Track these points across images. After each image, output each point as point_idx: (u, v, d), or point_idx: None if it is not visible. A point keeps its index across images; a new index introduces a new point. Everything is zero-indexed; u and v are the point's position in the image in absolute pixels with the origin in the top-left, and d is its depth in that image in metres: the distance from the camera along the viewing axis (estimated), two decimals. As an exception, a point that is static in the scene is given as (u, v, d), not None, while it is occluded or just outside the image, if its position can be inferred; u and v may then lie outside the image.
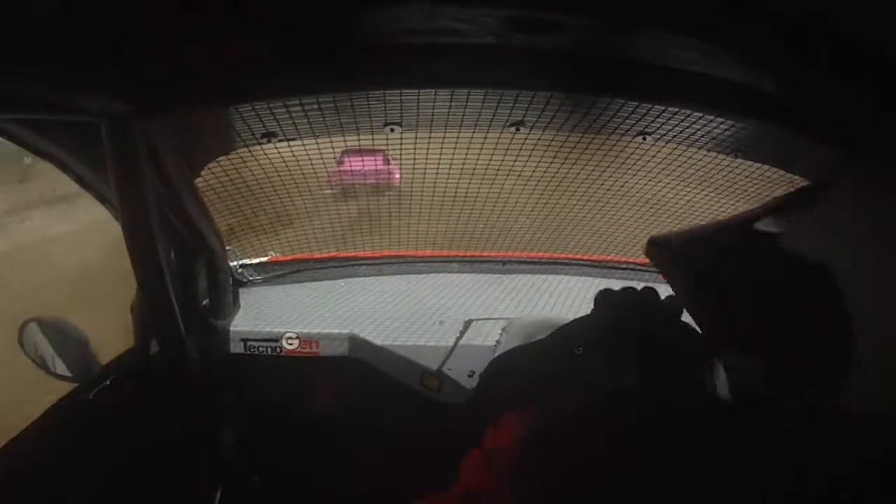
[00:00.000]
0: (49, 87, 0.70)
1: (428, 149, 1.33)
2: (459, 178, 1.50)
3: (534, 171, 1.52)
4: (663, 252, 0.75)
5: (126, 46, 0.65)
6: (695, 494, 0.64)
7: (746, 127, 1.09)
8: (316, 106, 1.08)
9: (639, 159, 1.45)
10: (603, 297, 0.97)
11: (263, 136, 1.18)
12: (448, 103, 1.08)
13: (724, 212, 1.63)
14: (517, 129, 1.18)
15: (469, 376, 1.35)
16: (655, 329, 0.94)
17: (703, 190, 1.55)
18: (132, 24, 0.59)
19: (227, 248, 1.48)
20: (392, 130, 1.18)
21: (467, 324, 1.51)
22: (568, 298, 1.70)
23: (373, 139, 1.27)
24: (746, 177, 1.39)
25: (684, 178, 1.49)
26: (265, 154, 1.31)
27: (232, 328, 1.48)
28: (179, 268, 1.31)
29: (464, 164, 1.46)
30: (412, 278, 1.82)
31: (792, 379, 0.62)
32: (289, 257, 1.81)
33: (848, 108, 0.70)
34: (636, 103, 1.03)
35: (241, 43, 0.71)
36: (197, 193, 1.25)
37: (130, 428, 1.18)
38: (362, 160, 1.56)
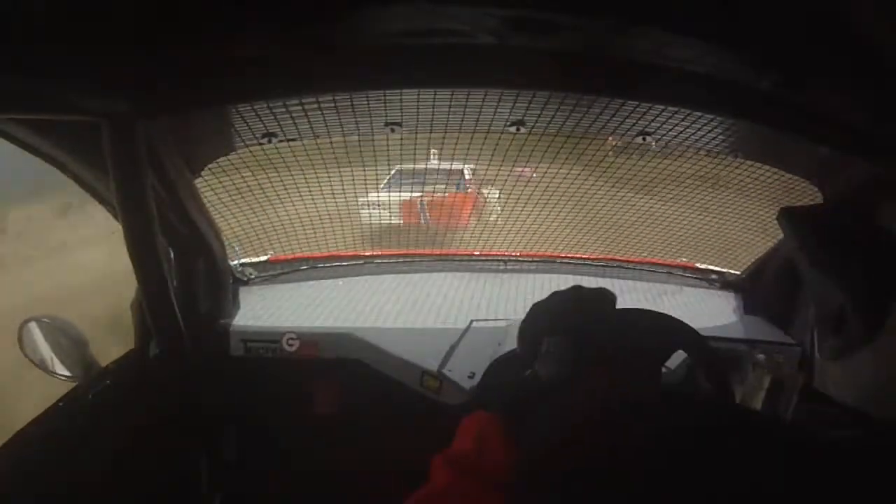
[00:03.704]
0: (49, 87, 0.70)
1: (428, 147, 1.33)
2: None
3: (534, 170, 1.52)
4: (797, 221, 0.76)
5: (126, 47, 0.65)
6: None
7: (746, 127, 1.09)
8: (316, 106, 1.08)
9: (639, 159, 1.45)
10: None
11: (264, 135, 1.18)
12: (448, 103, 1.08)
13: (725, 211, 1.63)
14: (517, 129, 1.18)
15: (469, 377, 1.35)
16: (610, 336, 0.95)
17: (703, 190, 1.55)
18: (132, 24, 0.59)
19: (227, 247, 1.48)
20: (392, 130, 1.18)
21: (468, 324, 1.51)
22: None
23: (373, 139, 1.27)
24: (746, 177, 1.39)
25: (685, 178, 1.49)
26: (265, 154, 1.31)
27: (232, 329, 1.48)
28: (179, 268, 1.31)
29: (465, 163, 1.46)
30: (412, 277, 1.82)
31: None
32: (289, 256, 1.81)
33: (847, 108, 0.70)
34: (636, 103, 1.03)
35: (241, 43, 0.71)
36: (197, 193, 1.25)
37: (130, 428, 1.18)
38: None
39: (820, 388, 0.97)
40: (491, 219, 1.85)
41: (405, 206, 1.82)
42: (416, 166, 1.54)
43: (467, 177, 1.79)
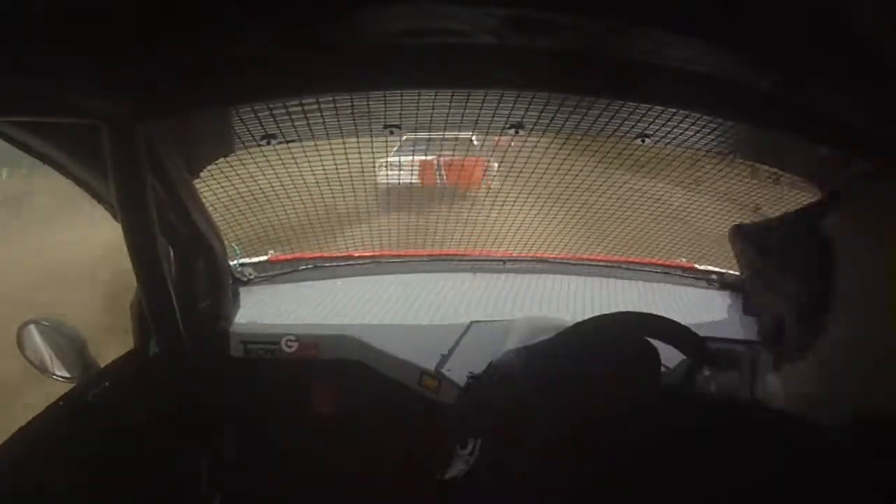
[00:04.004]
0: (49, 88, 0.70)
1: (427, 149, 1.33)
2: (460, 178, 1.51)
3: (534, 170, 1.52)
4: (742, 240, 0.79)
5: (126, 47, 0.65)
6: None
7: (746, 127, 1.09)
8: (316, 107, 1.08)
9: (639, 160, 1.45)
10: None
11: (263, 137, 1.18)
12: (448, 103, 1.08)
13: (723, 211, 1.63)
14: (517, 131, 1.18)
15: (469, 378, 1.35)
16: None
17: (703, 190, 1.55)
18: (132, 24, 0.59)
19: (227, 247, 1.48)
20: (391, 133, 1.18)
21: (468, 325, 1.51)
22: (569, 299, 1.70)
23: (372, 140, 1.27)
24: (746, 177, 1.39)
25: (684, 178, 1.49)
26: (264, 155, 1.32)
27: (232, 329, 1.48)
28: (179, 268, 1.31)
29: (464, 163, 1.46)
30: (412, 278, 1.82)
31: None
32: (289, 256, 1.81)
33: (847, 108, 0.70)
34: (636, 104, 1.03)
35: (241, 43, 0.71)
36: (196, 194, 1.26)
37: (130, 428, 1.18)
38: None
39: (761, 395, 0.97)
40: (492, 214, 1.85)
41: (422, 166, 1.87)
42: (426, 135, 1.57)
43: (475, 143, 1.84)
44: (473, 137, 1.73)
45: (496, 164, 1.77)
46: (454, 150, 1.74)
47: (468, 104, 1.07)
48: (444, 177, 1.93)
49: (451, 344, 1.44)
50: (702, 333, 1.11)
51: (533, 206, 1.69)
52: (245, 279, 1.67)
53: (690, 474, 0.69)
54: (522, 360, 1.16)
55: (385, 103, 1.07)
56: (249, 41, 0.70)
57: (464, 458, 0.90)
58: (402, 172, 1.77)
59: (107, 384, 1.19)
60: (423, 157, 1.83)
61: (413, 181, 1.86)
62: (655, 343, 1.09)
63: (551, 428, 0.91)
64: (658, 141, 1.22)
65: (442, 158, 1.88)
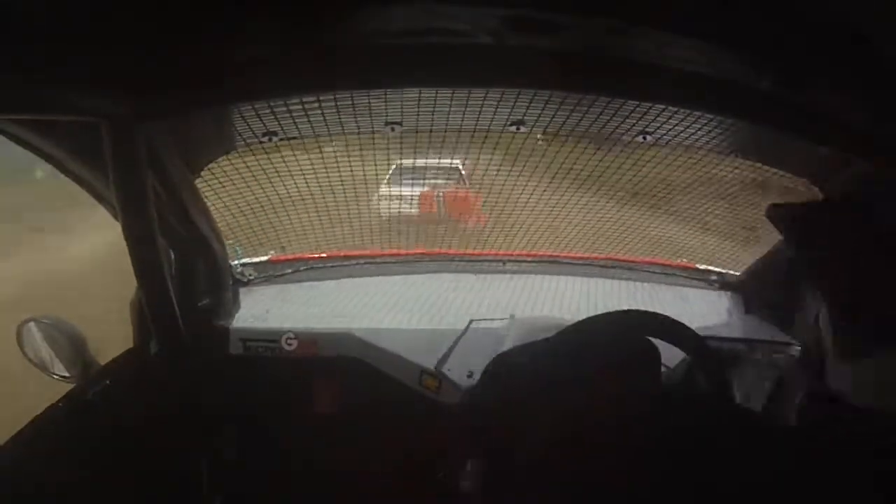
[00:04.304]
0: (49, 87, 0.70)
1: (428, 147, 1.33)
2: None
3: (534, 169, 1.52)
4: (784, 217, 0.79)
5: (126, 47, 0.65)
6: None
7: (746, 127, 1.09)
8: (316, 105, 1.08)
9: (639, 158, 1.45)
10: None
11: (264, 134, 1.18)
12: (448, 103, 1.08)
13: (723, 211, 1.63)
14: (518, 128, 1.18)
15: (468, 377, 1.35)
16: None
17: (703, 190, 1.55)
18: (132, 24, 0.59)
19: (227, 247, 1.48)
20: (392, 129, 1.18)
21: (467, 324, 1.51)
22: (569, 297, 1.70)
23: (373, 138, 1.27)
24: (746, 176, 1.39)
25: (684, 177, 1.49)
26: (265, 153, 1.32)
27: (232, 328, 1.48)
28: (179, 268, 1.31)
29: (463, 160, 1.47)
30: (412, 278, 1.82)
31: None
32: (289, 256, 1.81)
33: (847, 108, 0.71)
34: (636, 103, 1.03)
35: (241, 44, 0.71)
36: (197, 193, 1.26)
37: (130, 428, 1.18)
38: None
39: (829, 385, 0.96)
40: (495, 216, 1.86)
41: (423, 198, 1.87)
42: (416, 163, 1.57)
43: (464, 173, 1.84)
44: (461, 167, 1.76)
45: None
46: (437, 178, 1.75)
47: (469, 102, 1.07)
48: (444, 209, 1.94)
49: (450, 343, 1.44)
50: (702, 333, 1.11)
51: (535, 205, 1.69)
52: (245, 279, 1.67)
53: (690, 472, 0.69)
54: (523, 359, 1.17)
55: (386, 101, 1.07)
56: (249, 42, 0.70)
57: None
58: (399, 204, 1.78)
59: (107, 383, 1.19)
60: (421, 189, 1.84)
61: (412, 212, 1.87)
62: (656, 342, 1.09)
63: (553, 426, 0.91)
64: (659, 139, 1.22)
65: (441, 191, 1.91)
